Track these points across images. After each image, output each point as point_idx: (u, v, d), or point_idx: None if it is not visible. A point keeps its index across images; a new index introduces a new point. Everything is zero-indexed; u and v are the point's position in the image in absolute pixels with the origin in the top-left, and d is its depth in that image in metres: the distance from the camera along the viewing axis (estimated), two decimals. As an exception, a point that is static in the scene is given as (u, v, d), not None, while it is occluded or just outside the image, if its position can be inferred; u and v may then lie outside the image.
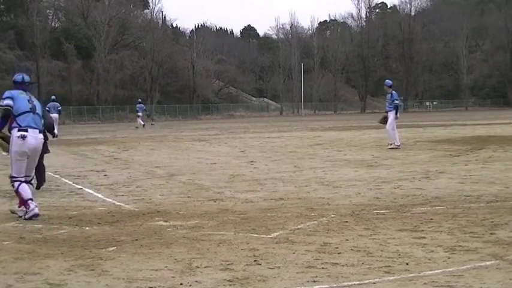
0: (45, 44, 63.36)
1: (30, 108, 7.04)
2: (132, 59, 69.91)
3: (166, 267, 4.59)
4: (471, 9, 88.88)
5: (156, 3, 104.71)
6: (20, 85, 7.26)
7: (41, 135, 7.15)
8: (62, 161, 11.79)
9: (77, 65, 65.62)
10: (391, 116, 16.19)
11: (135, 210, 7.32)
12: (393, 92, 16.46)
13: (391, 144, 16.02)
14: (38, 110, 7.17)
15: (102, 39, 65.88)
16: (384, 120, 16.49)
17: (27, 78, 7.39)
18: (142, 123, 37.89)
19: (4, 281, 4.28)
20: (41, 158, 10.16)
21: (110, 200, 8.25)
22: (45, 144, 9.41)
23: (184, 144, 20.57)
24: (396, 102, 16.27)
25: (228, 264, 4.62)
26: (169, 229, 6.12)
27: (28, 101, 7.10)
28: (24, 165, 7.02)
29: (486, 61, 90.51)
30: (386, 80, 17.26)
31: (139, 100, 41.29)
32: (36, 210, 6.86)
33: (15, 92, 7.12)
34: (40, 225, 6.49)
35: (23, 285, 4.20)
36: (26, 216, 6.82)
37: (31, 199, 6.93)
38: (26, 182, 7.07)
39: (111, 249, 5.28)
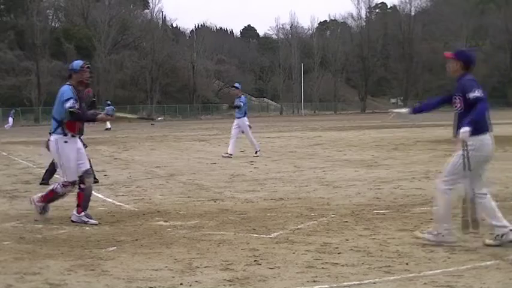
0: (45, 44, 63.29)
1: None
2: (132, 59, 69.92)
3: (166, 267, 4.60)
4: (471, 10, 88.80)
5: (156, 3, 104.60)
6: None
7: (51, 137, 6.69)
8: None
9: (77, 65, 65.55)
10: (242, 122, 14.93)
11: (135, 210, 7.32)
12: (242, 96, 15.45)
13: (256, 152, 14.86)
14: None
15: (102, 39, 65.88)
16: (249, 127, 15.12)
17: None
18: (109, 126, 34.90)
19: (4, 281, 4.28)
20: None
21: (110, 200, 8.25)
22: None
23: (184, 144, 20.57)
24: (241, 104, 15.04)
25: (228, 264, 4.63)
26: (169, 229, 6.12)
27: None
28: None
29: (486, 61, 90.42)
30: (237, 83, 16.08)
31: (109, 102, 39.30)
32: (72, 217, 6.63)
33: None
34: (40, 225, 6.49)
35: (23, 285, 4.20)
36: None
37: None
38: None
39: (111, 249, 5.28)
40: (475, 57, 5.67)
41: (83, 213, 6.54)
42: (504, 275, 4.20)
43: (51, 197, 6.68)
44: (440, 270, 4.34)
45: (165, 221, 6.58)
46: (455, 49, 5.81)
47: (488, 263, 4.52)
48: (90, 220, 6.53)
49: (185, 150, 17.78)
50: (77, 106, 6.51)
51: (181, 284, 4.16)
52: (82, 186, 6.62)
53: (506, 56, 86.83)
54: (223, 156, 14.47)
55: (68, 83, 6.72)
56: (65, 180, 6.57)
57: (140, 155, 16.47)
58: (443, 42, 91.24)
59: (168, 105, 71.82)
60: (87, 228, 6.33)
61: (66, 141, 6.50)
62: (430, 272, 4.32)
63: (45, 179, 10.28)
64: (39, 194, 6.79)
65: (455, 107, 5.35)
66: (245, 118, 15.06)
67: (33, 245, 5.48)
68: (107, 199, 8.38)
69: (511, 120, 33.21)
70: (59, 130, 6.53)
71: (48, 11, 71.73)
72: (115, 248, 5.33)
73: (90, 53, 65.85)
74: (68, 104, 6.44)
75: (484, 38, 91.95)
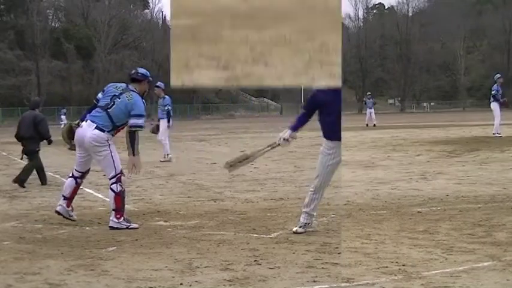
0: (45, 44, 63.25)
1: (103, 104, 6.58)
2: (132, 59, 69.74)
3: (166, 267, 4.62)
4: (468, 10, 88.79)
5: (156, 3, 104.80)
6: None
7: (94, 131, 6.56)
8: (62, 161, 11.83)
9: (77, 65, 65.53)
10: (163, 124, 14.19)
11: (135, 210, 7.35)
12: (166, 96, 14.49)
13: (166, 155, 14.06)
14: (111, 108, 6.55)
15: (102, 39, 65.84)
16: (157, 129, 14.29)
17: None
18: None
19: (4, 281, 4.31)
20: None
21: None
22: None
23: (184, 144, 20.57)
24: (168, 108, 14.29)
25: (228, 264, 4.65)
26: (169, 229, 6.15)
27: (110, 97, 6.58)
28: (77, 158, 6.74)
29: (483, 62, 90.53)
30: (159, 82, 14.90)
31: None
32: (58, 208, 6.57)
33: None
34: (40, 225, 6.52)
35: (23, 285, 4.22)
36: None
37: (62, 195, 6.63)
38: (73, 176, 6.68)
39: (111, 249, 5.31)
40: None
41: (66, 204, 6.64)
42: (501, 275, 4.23)
43: (121, 202, 6.35)
44: (438, 271, 4.37)
45: (165, 221, 6.61)
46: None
47: (485, 263, 4.55)
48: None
49: (185, 150, 17.79)
50: (143, 126, 6.64)
51: (181, 284, 4.19)
52: (79, 181, 6.74)
53: (503, 57, 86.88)
54: (161, 161, 13.75)
55: (135, 90, 6.57)
56: (114, 174, 6.48)
57: (140, 155, 16.46)
58: (440, 43, 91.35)
59: (168, 105, 71.80)
60: (87, 228, 6.36)
61: (111, 139, 6.71)
62: (428, 272, 4.34)
63: (42, 180, 10.30)
64: (112, 217, 6.27)
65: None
66: (166, 119, 14.29)
67: (33, 245, 5.51)
68: (107, 199, 8.36)
69: (508, 121, 33.20)
70: (112, 132, 6.68)
71: (48, 11, 71.68)
72: (115, 248, 5.35)
73: (90, 53, 65.87)
74: (140, 122, 6.62)
75: (481, 38, 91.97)
